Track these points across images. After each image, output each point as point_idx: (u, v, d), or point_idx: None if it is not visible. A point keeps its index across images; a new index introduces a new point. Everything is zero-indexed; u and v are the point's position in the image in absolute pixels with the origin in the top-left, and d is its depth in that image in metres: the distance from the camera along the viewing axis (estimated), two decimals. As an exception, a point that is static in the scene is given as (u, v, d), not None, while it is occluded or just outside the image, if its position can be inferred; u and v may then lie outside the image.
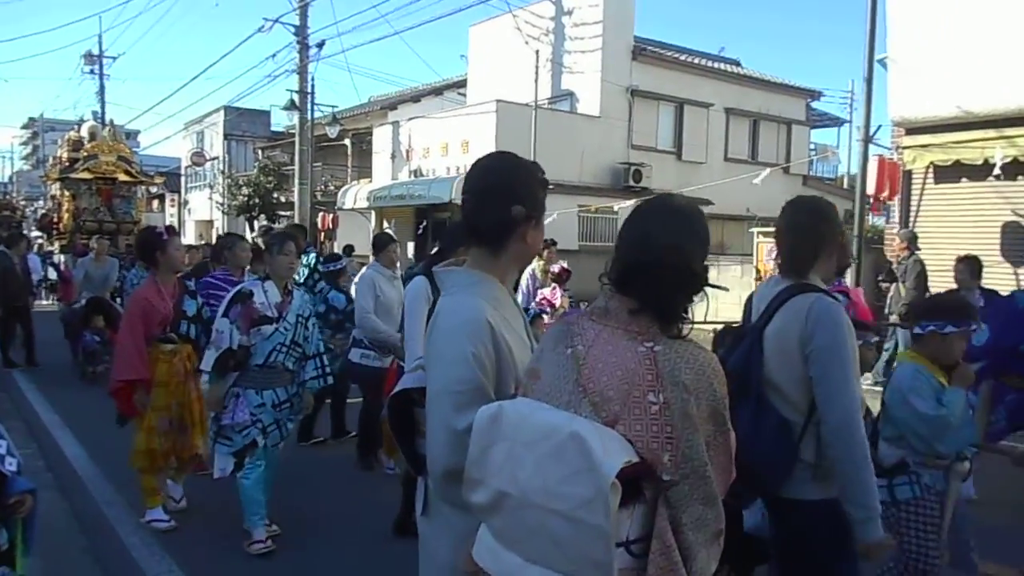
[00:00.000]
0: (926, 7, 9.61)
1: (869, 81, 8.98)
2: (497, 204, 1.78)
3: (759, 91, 23.18)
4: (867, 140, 9.02)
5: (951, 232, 9.78)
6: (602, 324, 1.56)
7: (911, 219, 10.26)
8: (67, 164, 20.13)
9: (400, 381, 2.04)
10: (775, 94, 23.57)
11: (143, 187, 21.23)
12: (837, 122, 28.73)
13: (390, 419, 2.01)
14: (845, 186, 27.87)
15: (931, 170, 10.01)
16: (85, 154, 19.54)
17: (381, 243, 6.13)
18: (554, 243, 10.54)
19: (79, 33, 69.46)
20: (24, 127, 72.01)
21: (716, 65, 23.11)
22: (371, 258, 6.68)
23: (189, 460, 4.88)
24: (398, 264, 6.95)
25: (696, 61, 22.43)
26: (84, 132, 20.57)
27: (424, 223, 19.02)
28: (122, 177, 19.91)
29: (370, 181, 22.98)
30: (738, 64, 24.73)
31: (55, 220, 20.75)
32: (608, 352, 1.51)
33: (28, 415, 7.54)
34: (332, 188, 25.84)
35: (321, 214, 22.35)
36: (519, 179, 1.83)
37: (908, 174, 10.10)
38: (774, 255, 2.63)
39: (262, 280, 4.39)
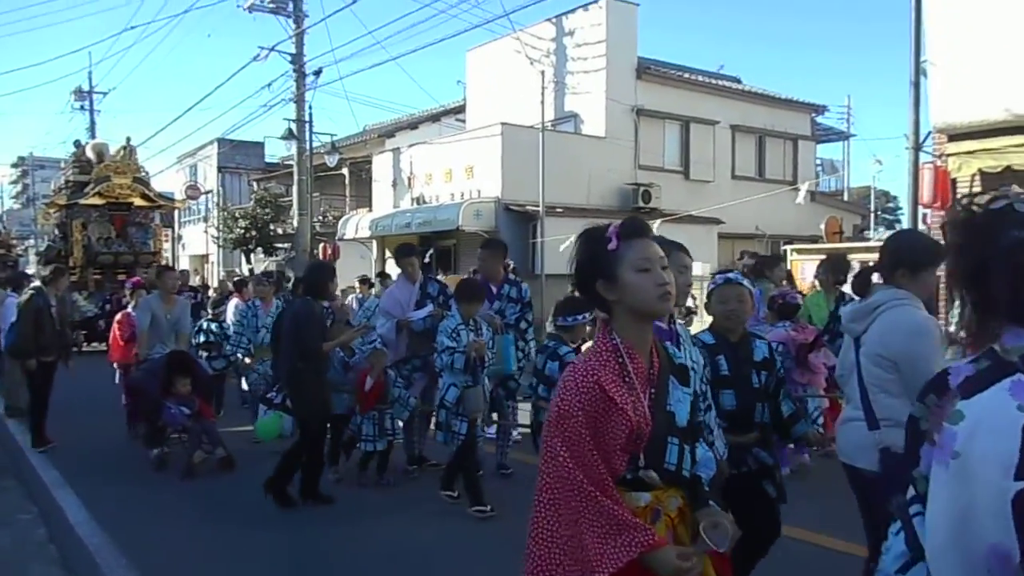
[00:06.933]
0: (967, 7, 9.17)
1: (916, 85, 8.49)
2: None
3: (763, 107, 22.84)
4: (917, 148, 8.51)
5: (1002, 243, 9.20)
6: None
7: (958, 230, 9.70)
8: (73, 188, 17.74)
9: None
10: (780, 109, 23.24)
11: (160, 213, 18.84)
12: (842, 136, 28.45)
13: None
14: (845, 199, 27.73)
15: (978, 177, 9.51)
16: (95, 176, 17.27)
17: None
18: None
19: (69, 66, 69.09)
20: (14, 165, 71.28)
21: (719, 82, 22.80)
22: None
23: None
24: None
25: (699, 79, 22.11)
26: (90, 152, 18.14)
27: (430, 251, 18.47)
28: (138, 202, 17.67)
29: (370, 210, 22.45)
30: (739, 81, 24.44)
31: (62, 253, 17.78)
32: None
33: (26, 473, 6.85)
34: (331, 218, 25.34)
35: (322, 245, 21.79)
36: None
37: (953, 183, 9.59)
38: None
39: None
